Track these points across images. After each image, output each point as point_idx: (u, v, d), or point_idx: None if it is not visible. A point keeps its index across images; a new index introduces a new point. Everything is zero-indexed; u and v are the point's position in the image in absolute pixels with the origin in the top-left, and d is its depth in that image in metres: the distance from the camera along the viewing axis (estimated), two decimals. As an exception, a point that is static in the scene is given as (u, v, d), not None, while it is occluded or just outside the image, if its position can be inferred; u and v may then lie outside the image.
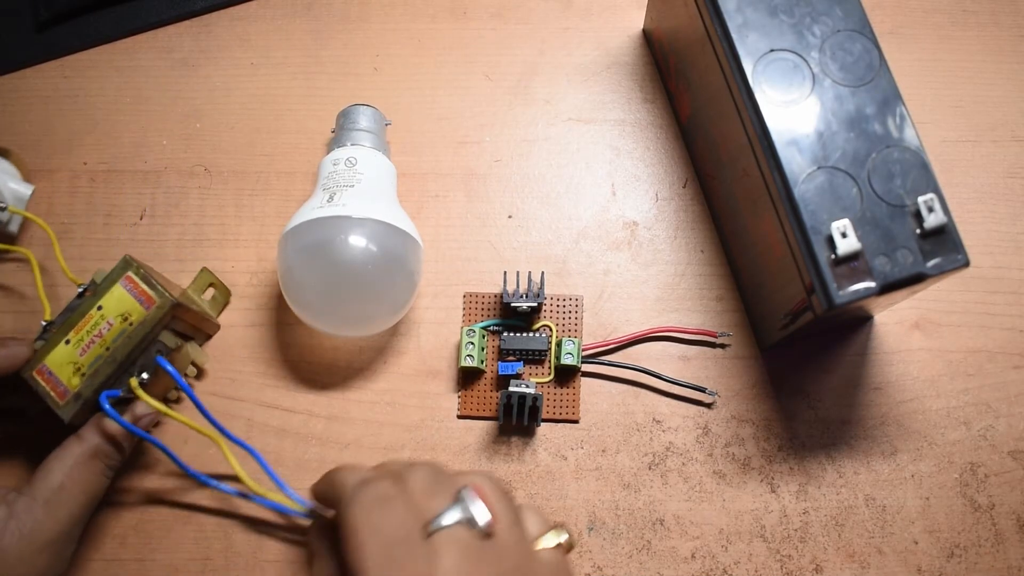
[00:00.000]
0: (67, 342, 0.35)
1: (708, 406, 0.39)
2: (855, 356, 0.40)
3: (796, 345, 0.40)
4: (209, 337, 0.41)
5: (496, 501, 0.27)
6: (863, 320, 0.40)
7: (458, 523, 0.25)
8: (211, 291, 0.41)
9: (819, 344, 0.40)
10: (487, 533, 0.26)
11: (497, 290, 0.41)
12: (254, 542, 0.38)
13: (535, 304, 0.38)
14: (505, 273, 0.39)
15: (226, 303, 0.41)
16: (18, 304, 0.42)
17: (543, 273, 0.39)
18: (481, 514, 0.26)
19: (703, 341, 0.40)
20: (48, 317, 0.37)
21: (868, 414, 0.39)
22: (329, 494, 0.29)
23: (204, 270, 0.40)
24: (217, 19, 0.47)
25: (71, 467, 0.33)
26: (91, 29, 0.47)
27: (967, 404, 0.39)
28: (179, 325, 0.37)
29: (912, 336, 0.40)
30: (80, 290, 0.36)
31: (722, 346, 0.40)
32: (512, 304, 0.39)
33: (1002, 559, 0.37)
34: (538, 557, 0.27)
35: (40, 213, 0.43)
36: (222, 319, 0.41)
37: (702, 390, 0.39)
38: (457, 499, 0.26)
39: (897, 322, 0.40)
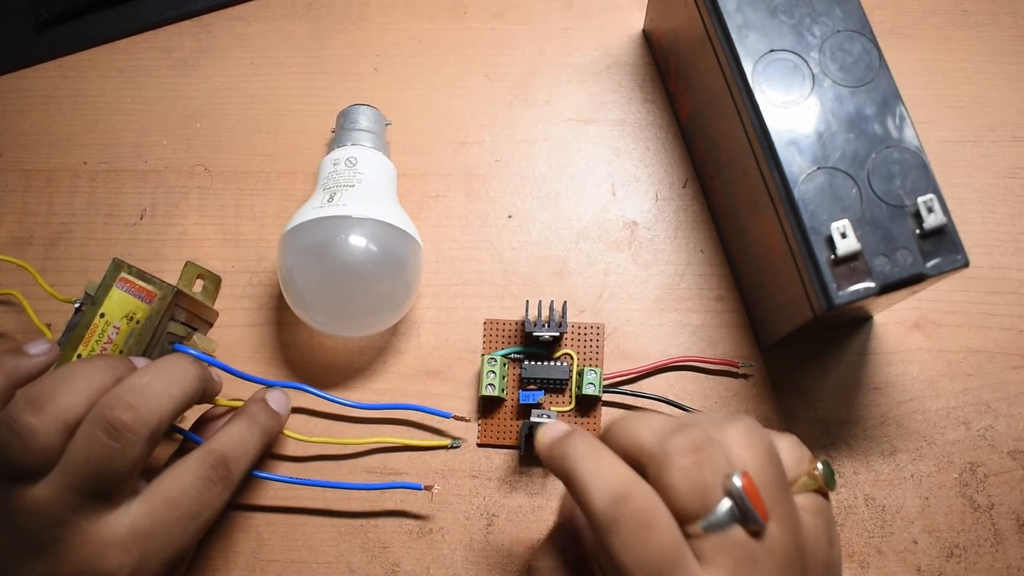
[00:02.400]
0: (79, 357, 0.35)
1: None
2: (855, 356, 0.40)
3: (796, 345, 0.40)
4: (210, 326, 0.41)
5: (768, 483, 0.24)
6: (863, 320, 0.40)
7: (729, 523, 0.24)
8: (200, 282, 0.41)
9: (819, 344, 0.40)
10: (758, 532, 0.24)
11: (498, 292, 0.41)
12: (254, 542, 0.38)
13: (557, 333, 0.38)
14: (527, 302, 0.39)
15: (218, 289, 0.41)
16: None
17: (565, 303, 0.38)
18: (752, 515, 0.23)
19: (725, 371, 0.40)
20: (51, 340, 0.36)
21: (868, 414, 0.39)
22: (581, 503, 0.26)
23: (188, 263, 0.40)
24: (217, 19, 0.47)
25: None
26: (91, 29, 0.47)
27: (967, 404, 0.39)
28: (182, 315, 0.37)
29: (912, 336, 0.40)
30: (76, 306, 0.36)
31: (744, 376, 0.40)
32: (534, 333, 0.38)
33: (1002, 559, 0.37)
34: (807, 534, 0.25)
35: (40, 213, 0.43)
36: (222, 319, 0.41)
37: None
38: (726, 492, 0.24)
39: (897, 322, 0.40)
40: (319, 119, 0.44)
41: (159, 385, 0.29)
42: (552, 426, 0.28)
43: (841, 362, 0.40)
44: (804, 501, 0.26)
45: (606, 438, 0.27)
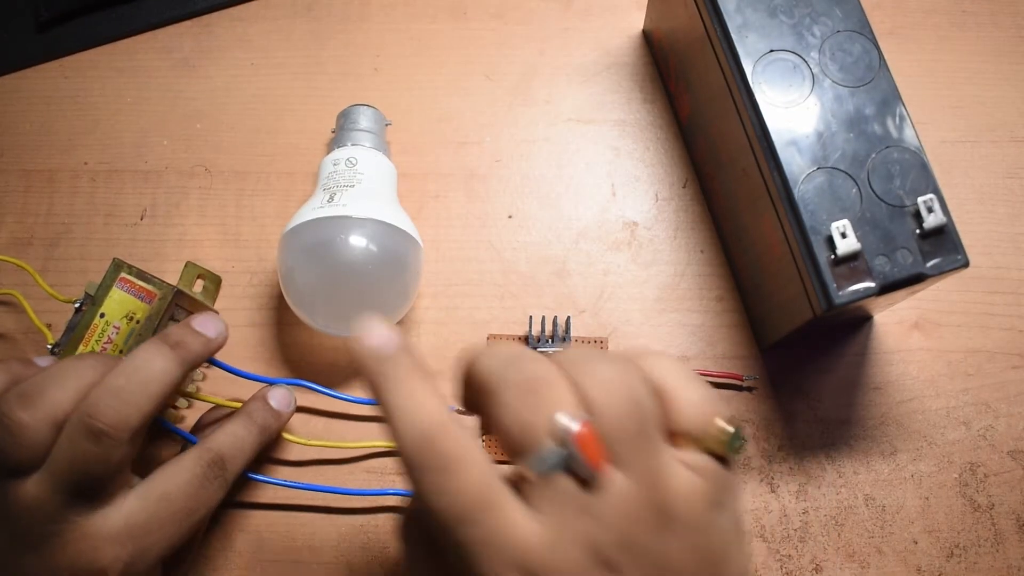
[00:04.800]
0: None
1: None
2: (855, 356, 0.40)
3: (796, 345, 0.40)
4: (216, 314, 0.41)
5: (620, 430, 0.22)
6: (863, 320, 0.40)
7: (552, 468, 0.21)
8: (200, 282, 0.41)
9: (819, 344, 0.40)
10: (594, 485, 0.22)
11: (498, 292, 0.41)
12: (254, 542, 0.38)
13: (560, 348, 0.38)
14: (531, 317, 0.39)
15: (218, 289, 0.41)
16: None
17: (568, 317, 0.38)
18: (577, 461, 0.21)
19: (730, 384, 0.40)
20: (52, 341, 0.36)
21: (868, 414, 0.39)
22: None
23: (189, 263, 0.40)
24: (218, 20, 0.47)
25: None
26: (92, 30, 0.47)
27: (966, 404, 0.39)
28: (182, 316, 0.37)
29: (912, 336, 0.40)
30: (76, 306, 0.36)
31: (749, 389, 0.40)
32: (539, 349, 0.38)
33: (1002, 559, 0.37)
34: (678, 493, 0.23)
35: (41, 213, 0.43)
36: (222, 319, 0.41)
37: None
38: (551, 434, 0.21)
39: (897, 322, 0.40)
40: (319, 119, 0.44)
41: (137, 384, 0.29)
42: (375, 332, 0.24)
43: (841, 362, 0.40)
44: (692, 459, 0.24)
45: (461, 366, 0.25)
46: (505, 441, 0.23)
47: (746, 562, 0.25)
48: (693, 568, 0.23)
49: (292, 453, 0.39)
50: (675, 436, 0.24)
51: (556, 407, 0.22)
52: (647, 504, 0.22)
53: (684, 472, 0.23)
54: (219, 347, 0.34)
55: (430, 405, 0.23)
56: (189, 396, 0.36)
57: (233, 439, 0.33)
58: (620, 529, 0.22)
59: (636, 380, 0.23)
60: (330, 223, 0.36)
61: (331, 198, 0.37)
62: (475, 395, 0.24)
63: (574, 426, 0.21)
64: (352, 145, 0.40)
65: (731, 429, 0.24)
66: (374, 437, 0.39)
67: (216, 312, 0.41)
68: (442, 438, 0.22)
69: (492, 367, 0.23)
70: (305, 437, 0.38)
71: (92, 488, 0.29)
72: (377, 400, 0.24)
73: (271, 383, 0.37)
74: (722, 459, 0.24)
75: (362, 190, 0.38)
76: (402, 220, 0.38)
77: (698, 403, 0.24)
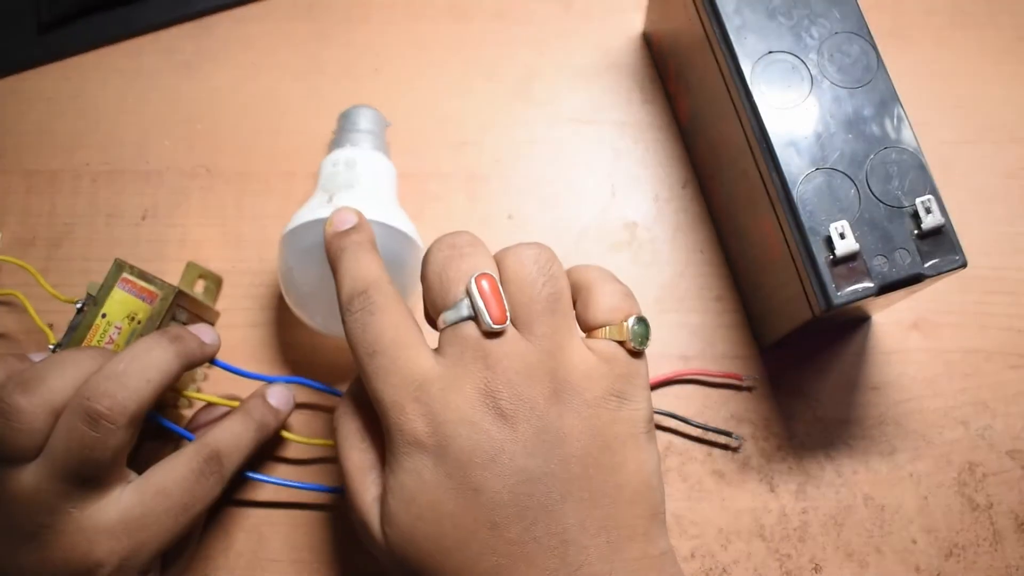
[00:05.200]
0: None
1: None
2: (853, 356, 0.40)
3: (795, 345, 0.40)
4: (211, 326, 0.41)
5: (527, 298, 0.25)
6: (861, 320, 0.40)
7: (463, 318, 0.25)
8: (201, 283, 0.41)
9: (818, 344, 0.40)
10: (493, 332, 0.25)
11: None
12: (254, 542, 0.38)
13: None
14: None
15: (219, 289, 0.42)
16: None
17: None
18: (481, 311, 0.25)
19: (729, 384, 0.40)
20: (53, 341, 0.37)
21: (866, 414, 0.39)
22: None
23: (190, 264, 0.40)
24: (219, 21, 0.47)
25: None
26: (93, 31, 0.47)
27: (965, 404, 0.39)
28: (183, 316, 0.38)
29: (910, 336, 0.40)
30: (78, 307, 0.36)
31: (748, 389, 0.40)
32: None
33: (1000, 558, 0.37)
34: (574, 366, 0.26)
35: (42, 214, 0.43)
36: (222, 319, 0.41)
37: (728, 434, 0.38)
38: (467, 291, 0.25)
39: (895, 322, 0.40)
40: (320, 120, 0.45)
41: (136, 371, 0.30)
42: (345, 214, 0.30)
43: (840, 362, 0.40)
44: (600, 345, 0.26)
45: None
46: (429, 297, 0.27)
47: (649, 466, 0.26)
48: (583, 446, 0.25)
49: (293, 451, 0.39)
50: (589, 329, 0.27)
51: (474, 270, 0.26)
52: (542, 368, 0.25)
53: (587, 352, 0.26)
54: (213, 353, 0.35)
55: (371, 266, 0.28)
56: (190, 397, 0.36)
57: (230, 435, 0.33)
58: (513, 382, 0.24)
59: (553, 263, 0.26)
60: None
61: (330, 199, 0.37)
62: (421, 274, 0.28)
63: (484, 284, 0.25)
64: (352, 146, 0.40)
65: (636, 327, 0.26)
66: (375, 437, 0.39)
67: (218, 312, 0.41)
68: (375, 290, 0.27)
69: (433, 243, 0.28)
70: (306, 435, 0.38)
71: (90, 475, 0.29)
72: (333, 268, 0.29)
73: (270, 381, 0.37)
74: (635, 354, 0.27)
75: (362, 191, 0.38)
76: (401, 221, 0.38)
77: (614, 300, 0.27)
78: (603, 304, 0.27)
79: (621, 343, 0.27)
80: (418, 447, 0.25)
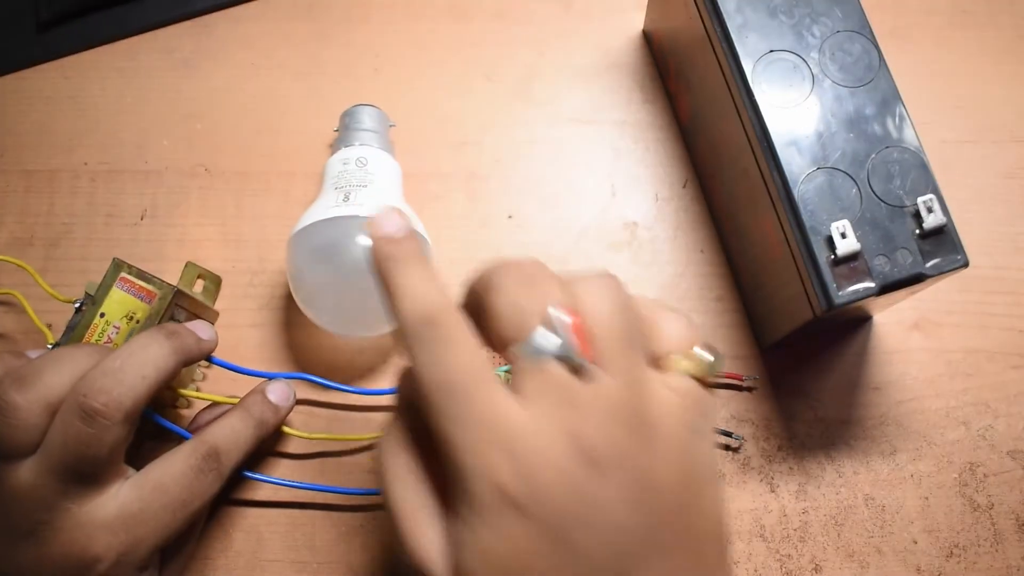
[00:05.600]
0: None
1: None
2: (855, 356, 0.40)
3: (796, 345, 0.40)
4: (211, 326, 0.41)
5: (608, 333, 0.23)
6: (862, 320, 0.40)
7: (543, 352, 0.22)
8: (200, 283, 0.41)
9: (819, 344, 0.40)
10: (582, 369, 0.22)
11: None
12: (253, 542, 0.38)
13: None
14: None
15: (218, 289, 0.41)
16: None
17: None
18: (569, 347, 0.22)
19: (730, 384, 0.40)
20: (52, 340, 0.36)
21: (867, 414, 0.39)
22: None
23: (189, 264, 0.40)
24: (218, 20, 0.47)
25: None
26: (92, 30, 0.47)
27: (966, 404, 0.39)
28: (182, 315, 0.37)
29: (911, 336, 0.40)
30: (76, 306, 0.36)
31: (749, 389, 0.40)
32: None
33: (1001, 559, 0.37)
34: (658, 405, 0.23)
35: (41, 213, 0.43)
36: (222, 319, 0.41)
37: (729, 435, 0.38)
38: (544, 321, 0.22)
39: (896, 322, 0.40)
40: (320, 119, 0.45)
41: (132, 367, 0.29)
42: (393, 216, 0.26)
43: (841, 362, 0.40)
44: (672, 379, 0.24)
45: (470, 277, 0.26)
46: (498, 327, 0.23)
47: (720, 502, 0.25)
48: (675, 489, 0.23)
49: (294, 447, 0.39)
50: (657, 361, 0.25)
51: (551, 300, 0.23)
52: (631, 408, 0.23)
53: (665, 390, 0.24)
54: (211, 350, 0.34)
55: (434, 286, 0.24)
56: (189, 396, 0.36)
57: (229, 432, 0.33)
58: (605, 427, 0.22)
59: (624, 295, 0.24)
60: (350, 222, 0.36)
61: (346, 197, 0.37)
62: (477, 296, 0.25)
63: (567, 317, 0.22)
64: (360, 145, 0.40)
65: (710, 357, 0.24)
66: (376, 429, 0.39)
67: (217, 312, 0.41)
68: (444, 316, 0.23)
69: (496, 267, 0.24)
70: (307, 431, 0.38)
71: (85, 472, 0.29)
72: (384, 280, 0.25)
73: (270, 378, 0.37)
74: (707, 385, 0.25)
75: (375, 189, 0.38)
76: (414, 220, 0.38)
77: (679, 329, 0.25)
78: (671, 336, 0.25)
79: (693, 375, 0.25)
80: (503, 500, 0.22)
